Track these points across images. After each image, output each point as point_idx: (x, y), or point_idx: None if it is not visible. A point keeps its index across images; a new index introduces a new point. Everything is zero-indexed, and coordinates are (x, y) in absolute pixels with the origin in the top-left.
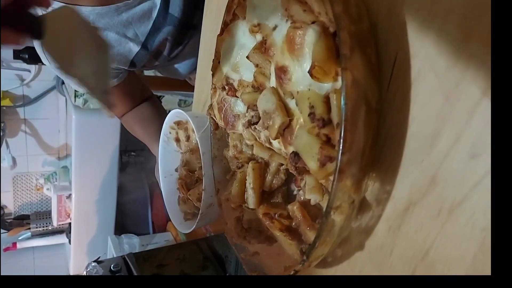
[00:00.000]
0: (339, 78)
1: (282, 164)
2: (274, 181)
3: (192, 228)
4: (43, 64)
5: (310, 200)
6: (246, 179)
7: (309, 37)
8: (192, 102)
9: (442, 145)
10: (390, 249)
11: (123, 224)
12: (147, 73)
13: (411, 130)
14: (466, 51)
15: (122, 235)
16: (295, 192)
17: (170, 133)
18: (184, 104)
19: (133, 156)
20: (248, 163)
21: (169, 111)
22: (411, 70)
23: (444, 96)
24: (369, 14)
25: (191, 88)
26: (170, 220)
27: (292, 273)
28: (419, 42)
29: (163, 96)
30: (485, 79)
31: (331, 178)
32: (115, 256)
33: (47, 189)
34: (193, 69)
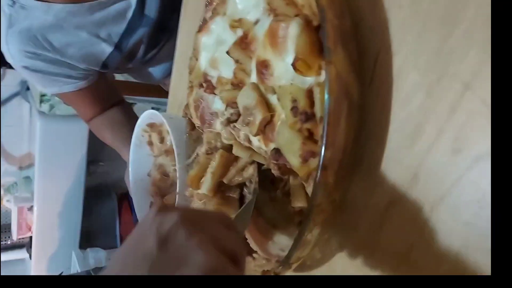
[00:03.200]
0: (322, 72)
1: (253, 162)
2: (236, 177)
3: None
4: (7, 68)
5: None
6: (209, 164)
7: (292, 30)
8: (165, 110)
9: (424, 141)
10: (371, 249)
11: (89, 237)
12: (118, 78)
13: (392, 127)
14: (447, 47)
15: (88, 249)
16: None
17: (142, 136)
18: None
19: (101, 166)
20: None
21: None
22: (393, 67)
23: (426, 92)
24: (352, 11)
25: (165, 94)
26: None
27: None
28: (401, 39)
29: (135, 104)
30: (466, 74)
31: (313, 175)
32: (79, 271)
33: (7, 200)
34: (168, 73)
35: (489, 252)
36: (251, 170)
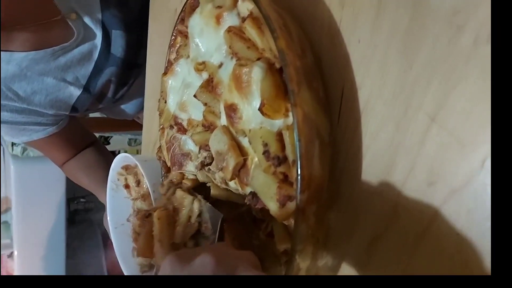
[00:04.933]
0: (290, 114)
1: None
2: (186, 230)
3: None
4: None
5: None
6: (152, 230)
7: (256, 75)
8: None
9: (398, 175)
10: None
11: None
12: (92, 114)
13: (366, 161)
14: (410, 78)
15: None
16: None
17: (118, 179)
18: (134, 143)
19: (82, 202)
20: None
21: (118, 152)
22: (359, 101)
23: (394, 124)
24: (313, 48)
25: (140, 127)
26: None
27: None
28: (364, 73)
29: (111, 137)
30: (431, 106)
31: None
32: None
33: None
34: (141, 108)
35: None
36: (196, 206)
